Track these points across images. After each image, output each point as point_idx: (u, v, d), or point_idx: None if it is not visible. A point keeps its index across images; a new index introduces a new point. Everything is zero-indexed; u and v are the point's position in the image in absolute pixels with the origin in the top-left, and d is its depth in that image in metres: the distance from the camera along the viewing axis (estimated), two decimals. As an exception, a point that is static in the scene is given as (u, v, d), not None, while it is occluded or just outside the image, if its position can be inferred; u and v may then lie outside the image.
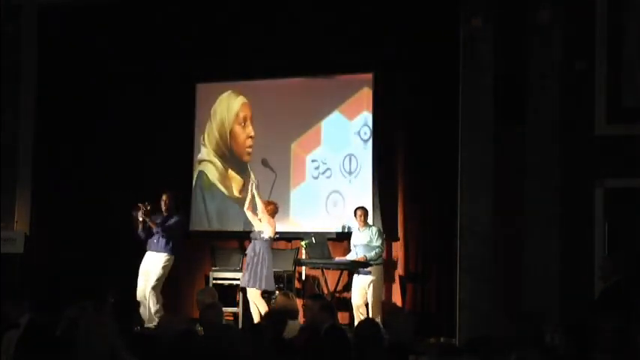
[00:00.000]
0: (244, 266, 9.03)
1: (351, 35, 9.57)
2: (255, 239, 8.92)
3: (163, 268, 9.14)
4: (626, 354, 4.37)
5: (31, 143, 10.70)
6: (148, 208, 9.13)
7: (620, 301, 6.19)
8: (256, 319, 8.77)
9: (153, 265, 9.15)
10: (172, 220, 9.21)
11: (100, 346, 3.79)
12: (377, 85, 9.79)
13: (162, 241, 9.14)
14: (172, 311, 9.03)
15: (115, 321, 3.99)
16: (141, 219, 9.13)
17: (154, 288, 9.07)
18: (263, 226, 8.89)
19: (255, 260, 8.81)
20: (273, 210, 9.01)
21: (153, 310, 8.98)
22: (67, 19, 10.75)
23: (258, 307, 8.74)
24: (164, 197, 9.25)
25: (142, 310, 9.01)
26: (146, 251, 9.28)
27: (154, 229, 9.15)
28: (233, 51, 10.18)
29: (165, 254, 9.14)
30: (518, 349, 4.09)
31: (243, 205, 9.25)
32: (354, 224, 9.25)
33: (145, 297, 9.07)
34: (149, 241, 9.23)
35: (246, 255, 9.10)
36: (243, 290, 9.13)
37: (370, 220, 9.26)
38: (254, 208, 9.03)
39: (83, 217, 10.43)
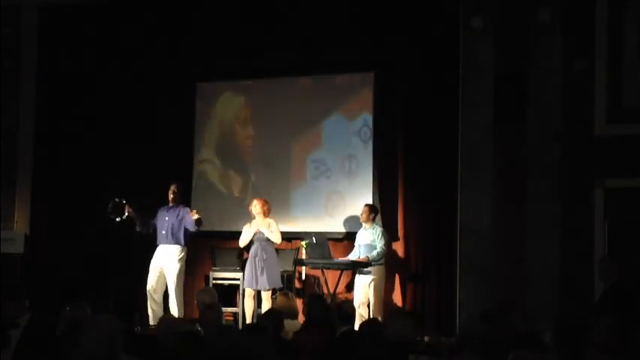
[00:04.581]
0: (251, 269, 8.96)
1: (351, 35, 9.58)
2: (262, 240, 8.97)
3: (180, 260, 9.01)
4: (625, 354, 4.38)
5: (31, 143, 10.72)
6: (124, 202, 9.08)
7: (621, 302, 6.20)
8: (249, 319, 8.82)
9: (167, 259, 9.00)
10: (186, 210, 9.16)
11: (100, 346, 3.78)
12: (377, 85, 9.78)
13: (172, 232, 9.06)
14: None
15: (116, 321, 3.98)
16: (128, 213, 9.05)
17: (176, 289, 8.92)
18: (274, 235, 8.99)
19: (268, 261, 8.90)
20: (269, 209, 9.12)
21: (179, 313, 8.82)
22: (67, 19, 10.76)
23: (264, 306, 8.76)
24: (172, 188, 9.20)
25: (150, 304, 8.96)
26: (148, 250, 9.23)
27: (140, 226, 9.11)
28: (233, 51, 10.18)
29: (179, 246, 9.05)
30: (516, 348, 4.09)
31: (252, 202, 9.19)
32: (361, 221, 9.23)
33: (154, 291, 9.00)
34: (158, 235, 9.13)
35: (248, 257, 9.12)
36: (244, 290, 9.13)
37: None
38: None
39: (83, 216, 10.43)
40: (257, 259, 8.92)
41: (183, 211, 9.13)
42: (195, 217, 8.95)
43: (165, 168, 10.26)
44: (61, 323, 5.84)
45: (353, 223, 9.51)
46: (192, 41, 10.26)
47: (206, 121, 10.63)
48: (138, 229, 9.21)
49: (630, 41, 8.12)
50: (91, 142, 10.71)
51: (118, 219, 9.06)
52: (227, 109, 10.53)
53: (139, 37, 10.47)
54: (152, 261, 9.10)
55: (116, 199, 9.07)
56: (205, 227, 9.91)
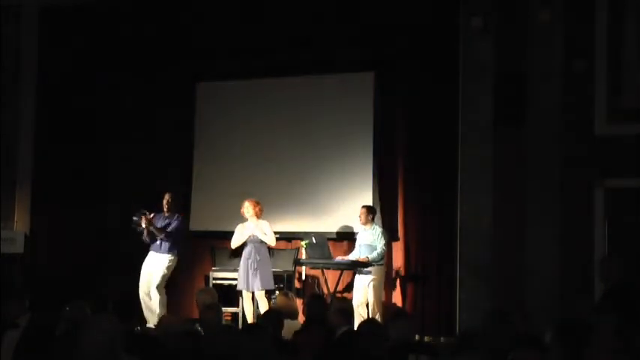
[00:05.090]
0: (245, 270, 8.95)
1: (352, 35, 9.57)
2: (256, 242, 8.99)
3: (167, 268, 9.07)
4: (625, 354, 4.38)
5: (31, 143, 10.72)
6: (151, 216, 9.04)
7: (621, 302, 6.20)
8: (250, 319, 8.82)
9: (156, 265, 9.07)
10: (175, 223, 9.14)
11: (100, 346, 3.78)
12: (377, 85, 9.79)
13: (166, 244, 9.09)
14: (172, 311, 9.00)
15: (116, 321, 3.99)
16: (144, 226, 9.03)
17: (158, 287, 8.98)
18: (268, 237, 9.01)
19: (262, 263, 8.91)
20: (262, 210, 9.14)
21: (158, 311, 8.89)
22: (67, 19, 10.76)
23: (261, 306, 8.77)
24: (166, 197, 9.21)
25: (143, 308, 9.00)
26: (148, 252, 9.24)
27: (159, 236, 9.07)
28: (233, 51, 10.18)
29: (169, 256, 9.10)
30: (516, 348, 4.09)
31: (244, 204, 9.20)
32: (360, 224, 9.23)
33: (146, 295, 9.04)
34: (152, 243, 9.16)
35: (242, 258, 9.13)
36: (241, 291, 9.13)
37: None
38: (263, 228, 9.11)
39: (83, 216, 10.43)
40: (250, 260, 8.93)
41: (173, 220, 9.15)
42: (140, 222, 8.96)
43: (165, 167, 10.27)
44: (61, 323, 5.86)
45: (352, 223, 9.51)
46: (192, 41, 10.26)
47: (206, 121, 10.63)
48: (143, 237, 9.12)
49: (630, 41, 8.12)
50: (91, 142, 10.71)
51: (139, 229, 9.05)
52: (227, 109, 10.53)
53: (139, 37, 10.47)
54: (143, 267, 9.14)
55: (142, 211, 9.03)
56: (205, 227, 9.96)
